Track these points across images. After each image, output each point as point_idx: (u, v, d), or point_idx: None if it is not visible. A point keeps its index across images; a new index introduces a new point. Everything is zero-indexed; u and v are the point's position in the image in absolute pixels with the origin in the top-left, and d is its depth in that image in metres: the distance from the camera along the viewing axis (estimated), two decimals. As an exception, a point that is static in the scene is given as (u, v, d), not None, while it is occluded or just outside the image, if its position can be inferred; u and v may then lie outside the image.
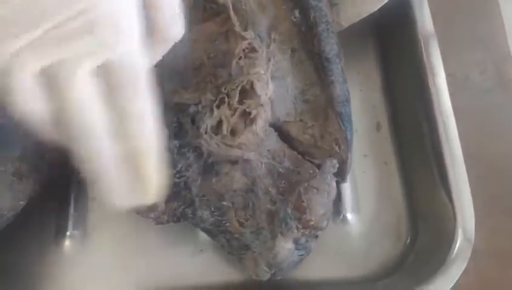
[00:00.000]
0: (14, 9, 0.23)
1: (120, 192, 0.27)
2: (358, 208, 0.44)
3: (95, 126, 0.26)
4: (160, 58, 0.31)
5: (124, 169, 0.27)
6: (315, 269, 0.41)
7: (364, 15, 0.42)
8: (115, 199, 0.27)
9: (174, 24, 0.29)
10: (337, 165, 0.35)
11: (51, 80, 0.25)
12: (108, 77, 0.26)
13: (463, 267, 0.36)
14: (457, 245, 0.37)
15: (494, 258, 0.39)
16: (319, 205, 0.34)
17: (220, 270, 0.41)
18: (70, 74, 0.25)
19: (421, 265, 0.40)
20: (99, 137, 0.26)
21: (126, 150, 0.27)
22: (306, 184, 0.35)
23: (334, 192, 0.35)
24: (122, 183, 0.27)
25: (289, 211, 0.34)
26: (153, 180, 0.28)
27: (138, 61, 0.27)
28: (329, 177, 0.35)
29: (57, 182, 0.41)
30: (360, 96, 0.47)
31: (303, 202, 0.34)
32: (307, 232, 0.35)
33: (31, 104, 0.25)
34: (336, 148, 0.37)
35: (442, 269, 0.36)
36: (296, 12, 0.39)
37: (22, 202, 0.37)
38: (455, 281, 0.36)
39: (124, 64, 0.26)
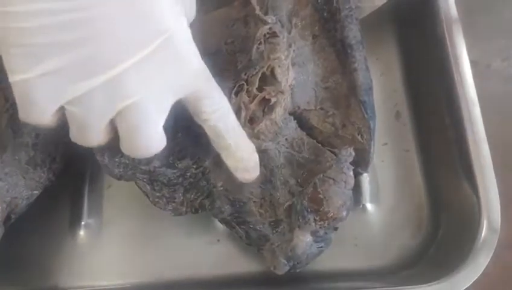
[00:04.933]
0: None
1: None
2: (378, 198, 0.43)
3: None
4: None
5: None
6: (334, 260, 0.40)
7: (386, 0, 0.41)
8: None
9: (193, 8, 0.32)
10: (353, 154, 0.34)
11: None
12: None
13: (488, 259, 0.36)
14: (483, 236, 0.36)
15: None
16: (336, 196, 0.33)
17: (237, 261, 0.41)
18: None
19: (443, 256, 0.39)
20: None
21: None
22: (322, 175, 0.34)
23: (351, 181, 0.34)
24: None
25: (305, 203, 0.34)
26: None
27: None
28: (345, 166, 0.34)
29: (71, 171, 0.41)
30: (380, 83, 0.46)
31: (319, 193, 0.33)
32: (325, 225, 0.34)
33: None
34: (359, 137, 0.36)
35: (467, 260, 0.36)
36: (319, -3, 0.38)
37: (36, 192, 0.37)
38: (480, 272, 0.35)
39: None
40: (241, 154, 0.33)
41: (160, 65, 0.27)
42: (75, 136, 0.29)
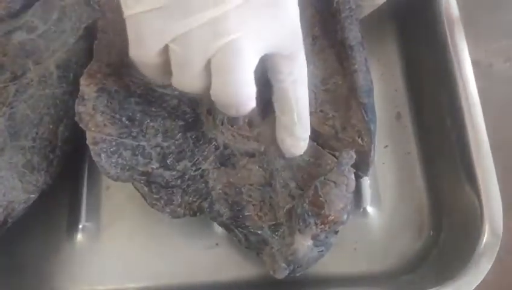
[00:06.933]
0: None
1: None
2: (379, 201, 0.43)
3: None
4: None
5: None
6: (333, 264, 0.40)
7: (386, -1, 0.41)
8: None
9: None
10: (355, 156, 0.34)
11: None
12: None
13: (491, 264, 0.35)
14: (484, 240, 0.36)
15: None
16: (337, 199, 0.33)
17: (236, 265, 0.40)
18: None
19: (445, 261, 0.39)
20: None
21: None
22: (323, 178, 0.34)
23: (353, 184, 0.34)
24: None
25: (306, 207, 0.33)
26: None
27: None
28: (347, 169, 0.34)
29: (69, 173, 0.41)
30: (380, 84, 0.46)
31: (320, 197, 0.33)
32: (326, 228, 0.34)
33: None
34: (359, 140, 0.36)
35: (469, 265, 0.35)
36: (319, -2, 0.38)
37: (32, 195, 0.36)
38: (482, 277, 0.35)
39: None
40: (297, 129, 0.34)
41: (258, 8, 0.28)
42: (176, 78, 0.30)
